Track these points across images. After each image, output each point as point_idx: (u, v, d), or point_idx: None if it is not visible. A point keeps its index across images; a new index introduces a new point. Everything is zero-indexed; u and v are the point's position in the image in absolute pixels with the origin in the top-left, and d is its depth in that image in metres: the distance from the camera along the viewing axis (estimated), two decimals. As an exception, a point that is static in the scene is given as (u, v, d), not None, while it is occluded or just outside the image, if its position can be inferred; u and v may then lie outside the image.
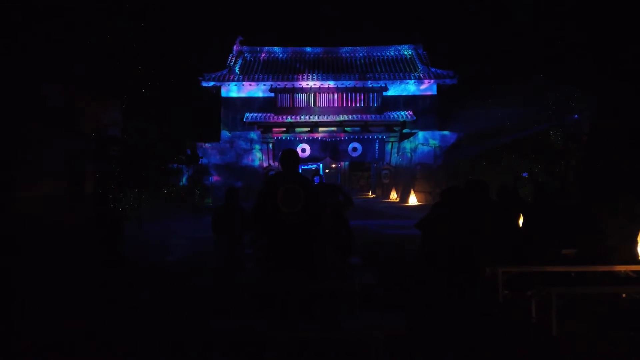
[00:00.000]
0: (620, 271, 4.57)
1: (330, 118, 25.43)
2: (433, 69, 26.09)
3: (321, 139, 25.93)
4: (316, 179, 20.12)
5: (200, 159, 21.83)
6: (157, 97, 17.34)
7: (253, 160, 25.37)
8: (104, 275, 5.01)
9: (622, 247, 4.59)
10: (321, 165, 30.16)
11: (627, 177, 6.46)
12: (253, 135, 25.46)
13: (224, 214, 6.07)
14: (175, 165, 21.21)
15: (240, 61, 26.94)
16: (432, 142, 21.19)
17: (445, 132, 21.42)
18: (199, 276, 6.56)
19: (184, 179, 22.60)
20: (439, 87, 26.05)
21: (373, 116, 25.55)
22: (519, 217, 5.59)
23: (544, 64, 11.40)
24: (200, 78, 25.02)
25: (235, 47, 27.50)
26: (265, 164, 25.64)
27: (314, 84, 25.75)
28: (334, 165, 28.79)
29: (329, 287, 4.22)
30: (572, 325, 3.95)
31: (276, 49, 28.12)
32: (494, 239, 4.76)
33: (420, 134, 21.72)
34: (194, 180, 21.05)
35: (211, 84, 25.44)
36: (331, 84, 25.78)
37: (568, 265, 4.74)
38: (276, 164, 25.88)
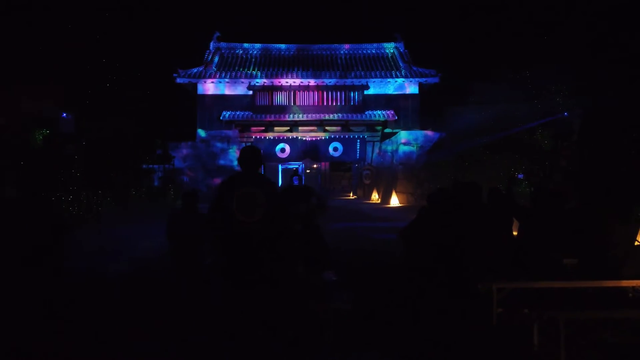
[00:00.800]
0: (630, 286, 4.01)
1: (310, 117, 24.76)
2: (415, 68, 25.63)
3: (301, 139, 25.24)
4: (295, 180, 19.45)
5: (173, 159, 20.94)
6: (127, 95, 16.50)
7: (231, 161, 24.51)
8: (25, 290, 4.24)
9: (633, 257, 4.02)
10: (302, 165, 29.51)
11: (626, 177, 5.98)
12: (230, 134, 24.61)
13: (181, 219, 5.35)
14: (149, 166, 20.31)
15: (217, 58, 26.07)
16: (413, 141, 20.68)
17: (427, 132, 20.93)
18: (145, 290, 5.80)
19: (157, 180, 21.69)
20: (421, 86, 25.60)
21: (354, 115, 24.96)
22: (512, 224, 4.99)
23: (533, 57, 10.94)
24: (175, 75, 24.06)
25: (212, 44, 26.60)
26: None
27: (294, 82, 25.04)
28: (315, 166, 28.12)
29: (295, 315, 3.53)
30: (583, 357, 3.35)
31: (255, 45, 27.32)
32: (487, 250, 4.16)
33: (402, 134, 21.21)
34: (168, 180, 20.14)
35: (186, 80, 24.50)
36: (311, 81, 25.10)
37: (571, 279, 4.15)
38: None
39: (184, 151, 23.79)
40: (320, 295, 3.72)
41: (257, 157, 4.10)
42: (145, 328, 4.41)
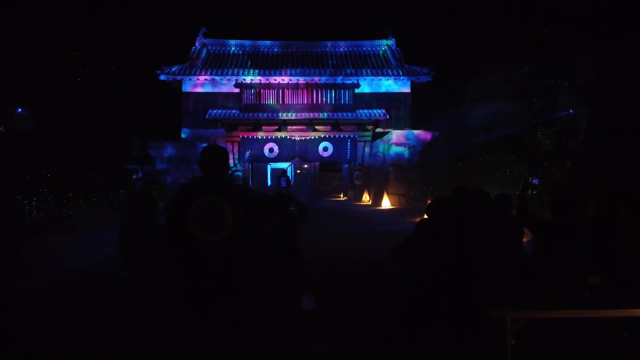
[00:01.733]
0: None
1: (299, 116, 24.00)
2: (407, 66, 24.97)
3: (290, 139, 24.45)
4: (282, 182, 18.66)
5: (154, 159, 20.08)
6: (103, 92, 15.64)
7: (217, 161, 23.62)
8: None
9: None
10: (292, 166, 28.69)
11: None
12: (217, 133, 23.74)
13: (137, 232, 4.57)
14: (131, 166, 19.43)
15: (203, 54, 25.19)
16: (405, 141, 19.99)
17: (420, 131, 20.25)
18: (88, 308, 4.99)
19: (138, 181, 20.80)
20: (413, 84, 24.93)
21: (344, 114, 24.23)
22: (522, 239, 4.27)
23: (531, 51, 10.27)
24: (159, 71, 23.15)
25: (198, 40, 25.72)
26: (231, 164, 23.98)
27: (282, 80, 24.25)
28: (305, 166, 27.33)
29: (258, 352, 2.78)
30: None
31: (243, 42, 26.48)
32: (499, 273, 3.44)
33: (394, 133, 20.51)
34: (149, 182, 19.26)
35: (170, 77, 23.59)
36: (301, 79, 24.33)
37: (599, 305, 3.44)
38: (243, 165, 24.33)
39: (168, 151, 22.91)
40: (292, 333, 2.98)
41: (222, 157, 3.34)
42: None
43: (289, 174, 20.38)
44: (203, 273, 3.06)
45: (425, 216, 3.79)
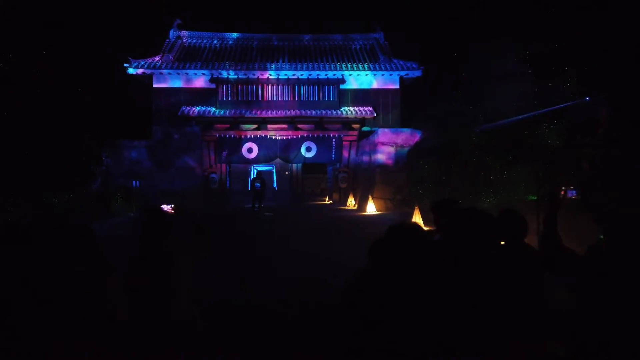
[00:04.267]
0: None
1: (280, 113, 22.32)
2: (395, 60, 23.39)
3: (271, 138, 22.75)
4: (256, 185, 16.94)
5: (105, 161, 18.39)
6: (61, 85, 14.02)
7: (191, 161, 21.91)
8: None
9: None
10: (273, 167, 26.98)
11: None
12: (191, 132, 22.00)
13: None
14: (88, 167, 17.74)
15: (177, 47, 23.45)
16: (393, 141, 18.32)
17: (408, 130, 18.59)
18: None
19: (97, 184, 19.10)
20: (401, 79, 23.36)
21: (329, 112, 22.58)
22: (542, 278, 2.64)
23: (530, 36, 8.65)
24: (126, 65, 21.36)
25: (172, 32, 23.99)
26: (205, 165, 22.25)
27: (262, 75, 22.57)
28: (295, 168, 25.58)
29: None
30: None
31: (220, 34, 24.76)
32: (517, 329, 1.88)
33: (380, 132, 18.85)
34: (108, 184, 17.52)
35: (140, 71, 21.81)
36: (281, 74, 22.65)
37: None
38: (219, 166, 22.58)
39: (138, 150, 21.17)
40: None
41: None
42: None
43: (263, 177, 18.64)
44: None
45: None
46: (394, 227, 2.44)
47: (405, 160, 17.85)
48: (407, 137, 18.35)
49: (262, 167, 25.27)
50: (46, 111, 12.03)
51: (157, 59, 22.30)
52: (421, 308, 2.15)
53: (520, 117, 10.78)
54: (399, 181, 17.44)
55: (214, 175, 22.10)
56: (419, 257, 2.31)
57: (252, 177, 20.58)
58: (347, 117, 22.52)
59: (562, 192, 2.93)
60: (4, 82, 10.49)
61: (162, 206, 3.03)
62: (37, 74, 11.55)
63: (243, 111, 22.23)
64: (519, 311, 2.42)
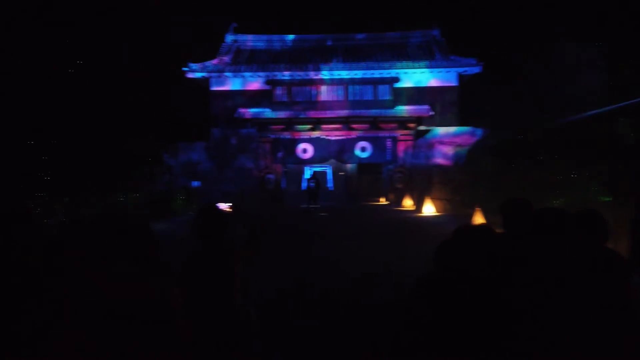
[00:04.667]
0: None
1: (334, 114, 22.24)
2: (453, 57, 22.63)
3: (325, 138, 22.73)
4: (311, 184, 16.91)
5: (167, 162, 19.03)
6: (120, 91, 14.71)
7: (248, 162, 22.31)
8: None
9: None
10: (329, 168, 26.91)
11: None
12: (247, 133, 22.41)
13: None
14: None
15: (233, 50, 23.97)
16: (452, 139, 17.69)
17: (467, 128, 17.89)
18: None
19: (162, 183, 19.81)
20: (460, 76, 22.55)
21: (383, 111, 22.23)
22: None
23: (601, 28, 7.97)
24: (186, 69, 22.08)
25: (228, 36, 24.54)
26: (262, 166, 22.57)
27: (316, 75, 22.58)
28: (349, 167, 25.41)
29: None
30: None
31: (275, 36, 25.05)
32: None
33: (438, 131, 18.26)
34: (169, 184, 18.16)
35: (199, 75, 22.48)
36: (335, 75, 22.56)
37: None
38: (275, 166, 22.82)
39: (197, 152, 21.82)
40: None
41: None
42: None
43: (318, 177, 18.59)
44: None
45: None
46: (463, 229, 2.23)
47: (465, 159, 17.20)
48: (467, 136, 17.69)
49: (317, 167, 25.32)
50: (111, 113, 12.62)
51: (214, 62, 22.90)
52: (494, 316, 1.94)
53: (591, 112, 10.00)
54: (458, 181, 16.82)
55: (270, 176, 22.37)
56: (491, 262, 2.09)
57: (306, 177, 20.66)
58: (402, 117, 22.06)
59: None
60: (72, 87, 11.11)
61: (219, 205, 3.01)
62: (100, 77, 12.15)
63: (298, 112, 22.34)
64: (602, 321, 2.14)
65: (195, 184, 20.39)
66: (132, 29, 20.65)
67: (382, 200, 23.67)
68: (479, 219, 11.79)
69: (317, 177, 18.44)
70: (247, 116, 22.25)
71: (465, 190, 16.41)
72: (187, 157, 21.61)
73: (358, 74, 22.44)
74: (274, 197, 21.34)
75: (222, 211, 2.79)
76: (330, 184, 27.40)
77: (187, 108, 22.18)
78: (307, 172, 25.42)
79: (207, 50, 23.58)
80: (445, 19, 29.68)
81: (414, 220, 14.79)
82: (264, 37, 24.99)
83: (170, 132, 19.74)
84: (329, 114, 22.23)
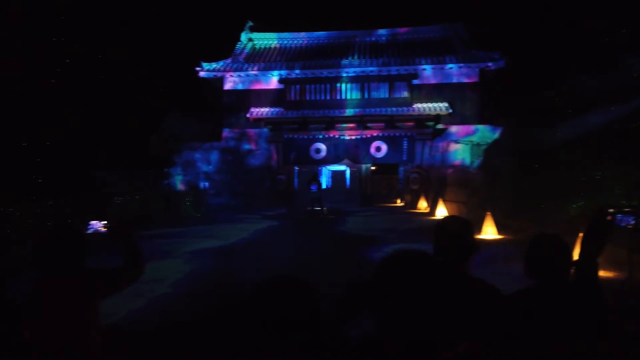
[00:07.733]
0: None
1: (349, 112, 21.51)
2: (474, 52, 21.54)
3: (339, 138, 22.03)
4: (313, 187, 16.19)
5: (176, 162, 18.70)
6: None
7: (259, 162, 21.84)
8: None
9: None
10: (347, 168, 26.10)
11: None
12: (260, 133, 21.95)
13: None
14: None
15: (247, 49, 23.57)
16: (468, 138, 16.72)
17: (486, 126, 16.86)
18: None
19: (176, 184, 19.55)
20: (482, 72, 21.45)
21: (400, 109, 21.37)
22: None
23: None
24: (198, 68, 21.78)
25: (243, 34, 24.15)
26: (274, 167, 22.07)
27: (330, 73, 21.91)
28: (370, 167, 24.58)
29: None
30: None
31: (288, 34, 24.49)
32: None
33: (454, 129, 17.32)
34: (178, 185, 17.84)
35: (211, 75, 22.15)
36: (350, 72, 21.84)
37: None
38: (287, 167, 22.27)
39: (208, 152, 21.49)
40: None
41: None
42: None
43: (319, 178, 17.84)
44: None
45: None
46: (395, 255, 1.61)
47: (483, 159, 16.22)
48: (485, 134, 16.67)
49: (335, 168, 24.61)
50: (121, 113, 12.34)
51: (228, 61, 22.54)
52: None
53: (615, 111, 9.00)
54: (475, 183, 15.86)
55: (281, 177, 21.85)
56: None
57: (306, 180, 19.87)
58: (420, 115, 21.15)
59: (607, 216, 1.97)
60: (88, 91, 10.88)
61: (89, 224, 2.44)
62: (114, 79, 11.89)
63: (311, 111, 21.74)
64: None
65: (204, 184, 20.04)
66: (144, 30, 20.48)
67: (398, 202, 22.79)
68: (490, 224, 10.91)
69: (318, 178, 17.71)
70: (260, 116, 21.79)
71: (482, 193, 15.43)
72: (198, 157, 21.29)
73: (374, 70, 21.66)
74: (285, 198, 20.77)
75: (76, 231, 2.20)
76: (347, 185, 26.63)
77: (199, 108, 21.87)
78: (326, 172, 24.73)
79: (221, 49, 23.23)
80: (468, 12, 28.48)
81: (423, 225, 13.88)
82: (278, 35, 24.48)
83: (181, 132, 19.42)
84: (343, 112, 21.53)
